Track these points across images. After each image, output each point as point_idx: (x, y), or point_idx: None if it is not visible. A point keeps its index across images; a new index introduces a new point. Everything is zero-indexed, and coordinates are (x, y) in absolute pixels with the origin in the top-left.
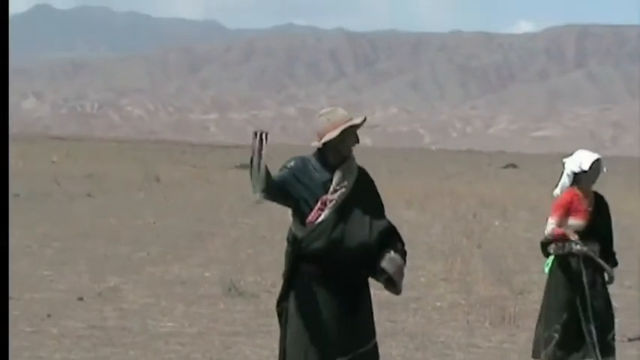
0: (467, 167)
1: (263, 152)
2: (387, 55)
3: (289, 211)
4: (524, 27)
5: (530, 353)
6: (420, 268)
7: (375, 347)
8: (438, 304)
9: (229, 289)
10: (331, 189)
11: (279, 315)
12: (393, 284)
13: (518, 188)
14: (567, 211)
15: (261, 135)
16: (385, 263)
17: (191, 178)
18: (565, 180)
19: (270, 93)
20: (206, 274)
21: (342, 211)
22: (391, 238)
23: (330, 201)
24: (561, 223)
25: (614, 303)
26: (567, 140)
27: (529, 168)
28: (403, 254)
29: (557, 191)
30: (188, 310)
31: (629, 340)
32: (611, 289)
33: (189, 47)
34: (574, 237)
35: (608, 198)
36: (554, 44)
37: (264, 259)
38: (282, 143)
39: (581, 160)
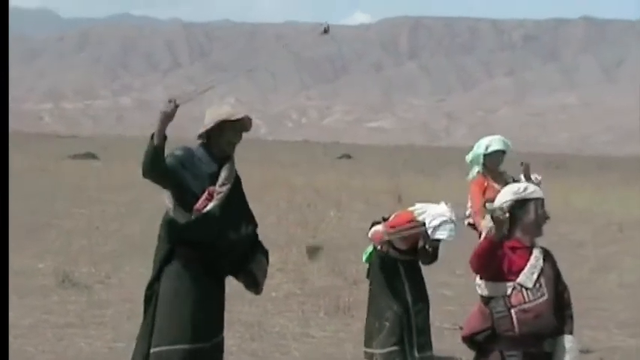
0: (302, 158)
1: (168, 120)
2: (223, 45)
3: (165, 196)
4: (360, 18)
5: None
6: None
7: (223, 338)
8: (274, 294)
9: (63, 281)
10: (220, 182)
11: (148, 298)
12: (255, 285)
13: (353, 179)
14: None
15: (174, 102)
16: (254, 265)
17: (25, 169)
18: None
19: (106, 83)
20: (40, 266)
21: (226, 204)
22: (257, 238)
23: (218, 193)
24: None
25: (447, 291)
26: (402, 131)
27: (364, 159)
28: (266, 255)
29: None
30: (21, 301)
31: (461, 327)
32: (444, 277)
33: (23, 36)
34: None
35: (441, 189)
36: (387, 36)
37: (98, 251)
38: (118, 134)
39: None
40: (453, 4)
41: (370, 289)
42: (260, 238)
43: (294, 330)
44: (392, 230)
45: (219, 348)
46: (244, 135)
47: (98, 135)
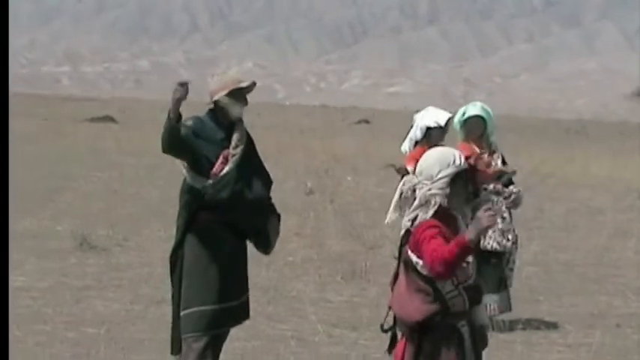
0: (320, 122)
1: (181, 103)
2: (242, 8)
3: (181, 164)
4: None
5: (380, 307)
6: None
7: (248, 297)
8: (291, 258)
9: (81, 243)
10: (233, 144)
11: (173, 264)
12: (267, 246)
13: (370, 144)
14: None
15: (186, 85)
16: (269, 225)
17: (43, 132)
18: (417, 134)
19: (123, 46)
20: (58, 228)
21: (241, 165)
22: (270, 200)
23: (233, 155)
24: None
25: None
26: (419, 96)
27: (382, 124)
28: (279, 217)
29: (405, 146)
30: (39, 264)
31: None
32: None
33: None
34: None
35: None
36: (406, 0)
37: (116, 213)
38: (137, 97)
39: (437, 116)
40: None
41: None
42: (278, 202)
43: (311, 294)
44: None
45: (245, 306)
46: (263, 99)
47: (116, 98)
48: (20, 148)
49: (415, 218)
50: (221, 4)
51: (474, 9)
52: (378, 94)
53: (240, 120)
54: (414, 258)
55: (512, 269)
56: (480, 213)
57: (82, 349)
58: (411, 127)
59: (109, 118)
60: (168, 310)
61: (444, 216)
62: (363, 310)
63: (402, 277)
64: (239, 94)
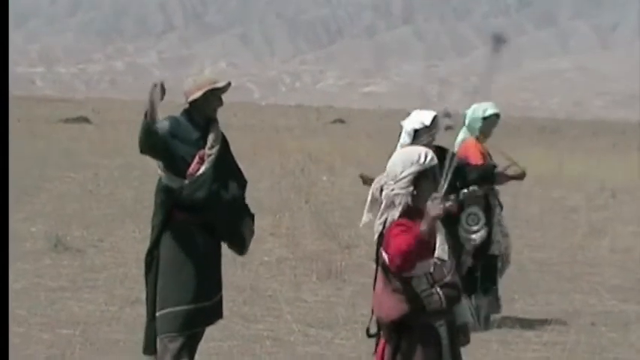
0: (296, 122)
1: (157, 104)
2: (217, 8)
3: (157, 164)
4: None
5: (356, 306)
6: None
7: (222, 296)
8: (266, 258)
9: (55, 245)
10: (209, 144)
11: (149, 265)
12: (242, 246)
13: (346, 143)
14: None
15: (161, 86)
16: (243, 226)
17: (17, 133)
18: (406, 139)
19: (98, 46)
20: (32, 229)
21: (217, 166)
22: (244, 201)
23: (209, 155)
24: None
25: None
26: (395, 96)
27: (357, 123)
28: (253, 218)
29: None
30: (13, 265)
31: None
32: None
33: None
34: None
35: None
36: None
37: (91, 215)
38: (111, 98)
39: (421, 117)
40: None
41: None
42: (253, 202)
43: (287, 294)
44: None
45: (219, 306)
46: (237, 100)
47: (91, 99)
48: None
49: (386, 220)
50: (195, 4)
51: (449, 8)
52: (353, 93)
53: (216, 120)
54: (387, 259)
55: (509, 254)
56: (428, 204)
57: (57, 350)
58: (400, 134)
59: (84, 119)
60: (143, 310)
61: (416, 214)
62: (338, 309)
63: (379, 278)
64: (215, 95)
